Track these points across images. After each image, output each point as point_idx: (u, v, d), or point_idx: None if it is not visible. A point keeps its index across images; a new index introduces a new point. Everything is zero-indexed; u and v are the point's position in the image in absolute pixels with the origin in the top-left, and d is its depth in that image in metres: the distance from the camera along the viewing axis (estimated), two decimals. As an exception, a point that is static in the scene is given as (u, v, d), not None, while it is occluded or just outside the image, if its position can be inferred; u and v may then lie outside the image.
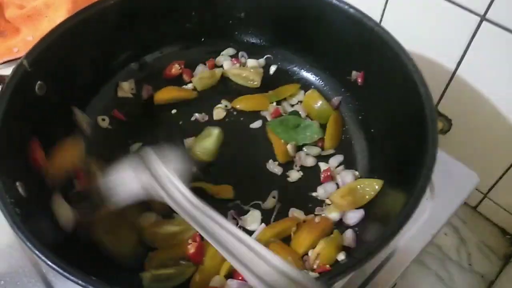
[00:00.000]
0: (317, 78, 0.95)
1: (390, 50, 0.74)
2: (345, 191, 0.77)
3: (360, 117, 0.87)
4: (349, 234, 0.73)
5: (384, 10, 0.94)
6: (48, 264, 0.52)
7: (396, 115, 0.75)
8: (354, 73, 0.86)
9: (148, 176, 0.64)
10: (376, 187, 0.74)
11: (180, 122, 0.89)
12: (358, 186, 0.76)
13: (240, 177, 0.81)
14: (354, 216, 0.75)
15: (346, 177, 0.80)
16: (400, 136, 0.74)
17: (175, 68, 0.94)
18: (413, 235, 0.76)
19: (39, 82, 0.74)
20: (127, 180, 0.65)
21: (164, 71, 0.95)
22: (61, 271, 0.52)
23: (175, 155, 0.67)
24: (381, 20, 0.96)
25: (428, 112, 0.63)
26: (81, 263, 0.55)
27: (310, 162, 0.84)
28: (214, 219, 0.57)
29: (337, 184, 0.80)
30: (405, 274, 0.76)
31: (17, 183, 0.64)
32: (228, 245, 0.54)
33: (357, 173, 0.81)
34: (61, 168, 0.74)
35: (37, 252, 0.52)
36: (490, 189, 0.99)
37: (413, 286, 0.94)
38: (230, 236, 0.54)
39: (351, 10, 0.80)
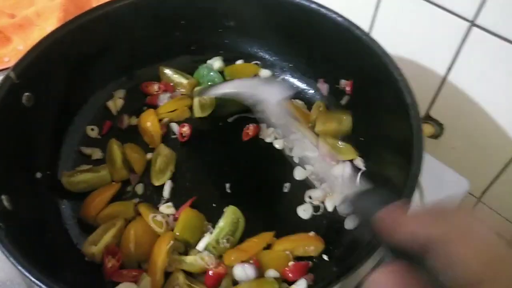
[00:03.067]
0: (307, 86, 0.95)
1: (378, 60, 0.74)
2: (331, 141, 0.85)
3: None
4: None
5: (374, 16, 0.94)
6: (31, 280, 0.52)
7: (383, 125, 0.75)
8: (342, 81, 0.87)
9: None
10: (351, 155, 0.84)
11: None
12: (340, 145, 0.85)
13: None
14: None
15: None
16: (387, 147, 0.74)
17: (153, 89, 0.94)
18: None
19: (26, 93, 0.74)
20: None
21: (142, 85, 0.94)
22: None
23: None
24: (371, 26, 0.96)
25: (414, 122, 0.63)
26: (66, 276, 0.55)
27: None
28: None
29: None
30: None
31: (2, 196, 0.64)
32: None
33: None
34: None
35: (20, 267, 0.52)
36: (483, 193, 0.98)
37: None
38: None
39: (339, 18, 0.80)
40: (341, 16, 0.80)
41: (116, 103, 0.91)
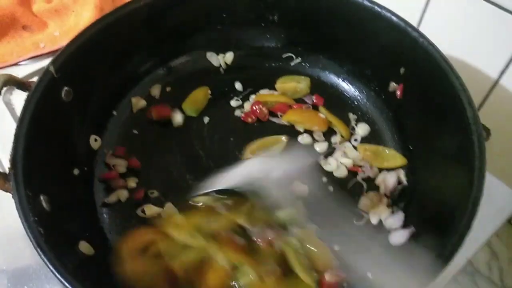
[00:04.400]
0: (352, 88, 0.91)
1: (435, 65, 0.70)
2: (371, 147, 0.82)
3: (396, 133, 0.85)
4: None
5: (424, 11, 0.90)
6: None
7: (436, 137, 0.71)
8: (392, 84, 0.83)
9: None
10: (398, 162, 0.80)
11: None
12: (386, 151, 0.82)
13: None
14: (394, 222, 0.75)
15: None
16: (439, 161, 0.70)
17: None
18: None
19: (65, 88, 0.73)
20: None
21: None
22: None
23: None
24: (420, 22, 0.91)
25: (475, 139, 0.59)
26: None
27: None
28: None
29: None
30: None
31: (41, 197, 0.62)
32: None
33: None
34: None
35: (60, 277, 0.51)
36: (525, 206, 0.95)
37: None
38: None
39: (394, 18, 0.75)
40: (395, 15, 0.76)
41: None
